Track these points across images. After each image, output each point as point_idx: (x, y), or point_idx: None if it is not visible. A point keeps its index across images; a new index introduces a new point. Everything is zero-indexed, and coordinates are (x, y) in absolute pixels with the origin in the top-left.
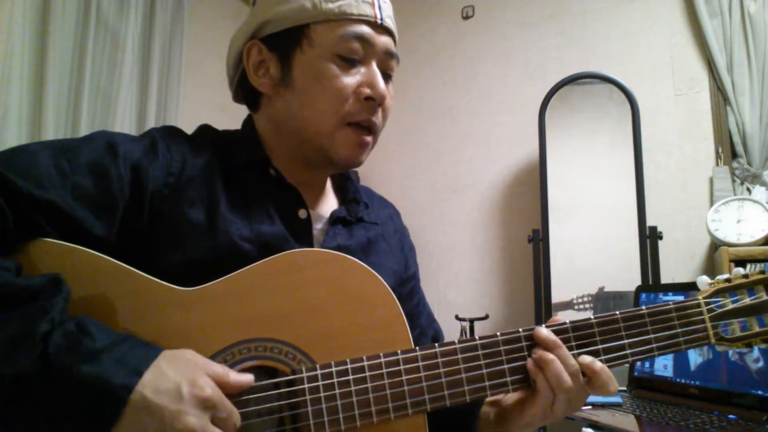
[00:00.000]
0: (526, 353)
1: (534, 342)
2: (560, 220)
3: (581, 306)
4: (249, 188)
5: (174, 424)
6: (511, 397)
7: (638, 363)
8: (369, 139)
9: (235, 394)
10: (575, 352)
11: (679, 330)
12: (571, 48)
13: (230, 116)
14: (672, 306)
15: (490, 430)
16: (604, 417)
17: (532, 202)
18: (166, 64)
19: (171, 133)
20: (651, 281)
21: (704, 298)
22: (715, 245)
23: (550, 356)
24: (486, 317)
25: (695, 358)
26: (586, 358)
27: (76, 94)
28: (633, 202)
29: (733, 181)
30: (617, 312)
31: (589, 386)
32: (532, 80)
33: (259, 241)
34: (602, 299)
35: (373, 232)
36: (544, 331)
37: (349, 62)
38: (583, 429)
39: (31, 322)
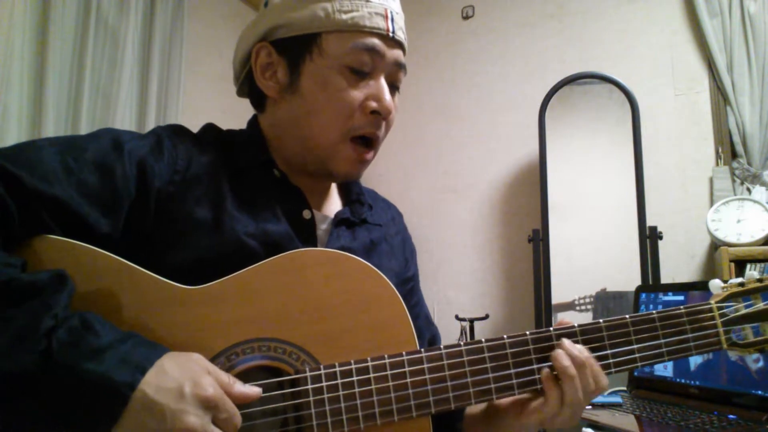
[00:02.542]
0: (533, 356)
1: (542, 346)
2: (560, 220)
3: (583, 307)
4: (254, 187)
5: (175, 423)
6: (509, 399)
7: None
8: (369, 155)
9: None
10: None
11: (690, 335)
12: (571, 48)
13: (231, 116)
14: (683, 310)
15: (476, 427)
16: (604, 417)
17: (532, 202)
18: (166, 64)
19: (177, 131)
20: (651, 281)
21: (717, 302)
22: (715, 245)
23: (573, 371)
24: (486, 317)
25: (695, 358)
26: (596, 367)
27: (76, 94)
28: (633, 202)
29: (733, 181)
30: (627, 316)
31: None
32: (532, 80)
33: (264, 239)
34: (602, 299)
35: (376, 233)
36: (572, 348)
37: (358, 74)
38: (583, 429)
39: (35, 319)
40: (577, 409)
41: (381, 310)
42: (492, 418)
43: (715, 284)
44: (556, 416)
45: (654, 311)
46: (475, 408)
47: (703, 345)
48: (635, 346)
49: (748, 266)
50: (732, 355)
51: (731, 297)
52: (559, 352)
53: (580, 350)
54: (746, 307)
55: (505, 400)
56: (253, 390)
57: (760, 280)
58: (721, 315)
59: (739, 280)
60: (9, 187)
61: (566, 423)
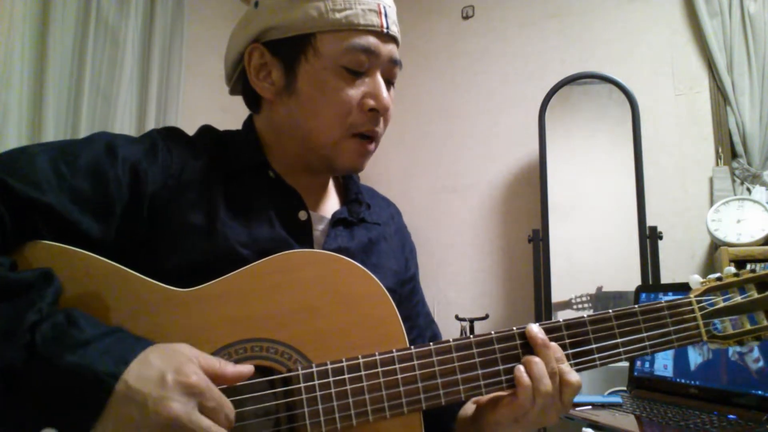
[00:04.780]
0: (520, 351)
1: (527, 341)
2: (560, 220)
3: (580, 306)
4: (249, 191)
5: (158, 410)
6: (489, 396)
7: (638, 363)
8: (372, 146)
9: (232, 391)
10: (569, 351)
11: (671, 328)
12: (571, 48)
13: (230, 116)
14: (664, 304)
15: (466, 427)
16: (604, 417)
17: (532, 202)
18: (166, 64)
19: (171, 134)
20: (651, 281)
21: (696, 296)
22: (715, 245)
23: (536, 358)
24: (486, 317)
25: (695, 358)
26: (565, 365)
27: (76, 94)
28: (633, 202)
29: (733, 181)
30: (610, 310)
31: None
32: (532, 80)
33: (257, 247)
34: (602, 299)
35: (375, 232)
36: (535, 329)
37: (354, 74)
38: (583, 429)
39: (19, 313)
40: (547, 402)
41: (371, 309)
42: (475, 420)
43: (694, 279)
44: (527, 411)
45: (636, 305)
46: (466, 411)
47: (684, 337)
48: (619, 340)
49: (748, 266)
50: (712, 347)
51: (710, 291)
52: (527, 331)
53: (537, 331)
54: (724, 300)
55: (484, 399)
56: (245, 368)
57: (736, 275)
58: (701, 308)
59: (717, 275)
60: (1, 196)
61: (539, 418)
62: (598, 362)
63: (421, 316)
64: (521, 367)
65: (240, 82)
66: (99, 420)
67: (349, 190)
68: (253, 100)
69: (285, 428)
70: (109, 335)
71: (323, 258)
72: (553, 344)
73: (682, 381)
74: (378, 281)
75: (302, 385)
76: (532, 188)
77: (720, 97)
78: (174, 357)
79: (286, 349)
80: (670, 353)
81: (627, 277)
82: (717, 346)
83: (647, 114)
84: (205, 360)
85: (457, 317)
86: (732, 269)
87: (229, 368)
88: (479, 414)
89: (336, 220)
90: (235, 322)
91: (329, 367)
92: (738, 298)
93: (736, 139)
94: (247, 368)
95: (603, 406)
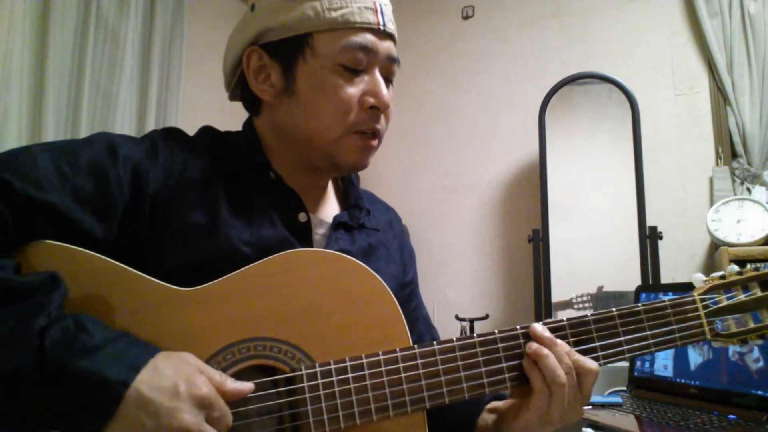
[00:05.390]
0: (523, 350)
1: (530, 339)
2: (560, 220)
3: (580, 305)
4: (250, 191)
5: (170, 421)
6: (507, 402)
7: (638, 363)
8: (375, 142)
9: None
10: (573, 349)
11: (675, 326)
12: (571, 48)
13: (230, 116)
14: (668, 302)
15: None
16: (604, 417)
17: (532, 202)
18: (166, 64)
19: (172, 135)
20: (651, 281)
21: (699, 294)
22: (715, 245)
23: (545, 351)
24: (486, 317)
25: (695, 357)
26: (577, 355)
27: (76, 94)
28: (633, 202)
29: (733, 181)
30: (613, 309)
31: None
32: (532, 80)
33: (259, 246)
34: (602, 299)
35: (374, 238)
36: (539, 329)
37: (353, 72)
38: (583, 429)
39: (27, 318)
40: (568, 397)
41: (374, 308)
42: (497, 430)
43: (698, 278)
44: (549, 406)
45: (640, 304)
46: (486, 421)
47: (688, 336)
48: (623, 338)
49: (748, 266)
50: (716, 345)
51: (713, 289)
52: (530, 342)
53: (543, 331)
54: (728, 299)
55: (505, 406)
56: (245, 386)
57: (740, 273)
58: (704, 306)
59: (720, 273)
60: (3, 195)
61: (562, 415)
62: (601, 361)
63: (421, 320)
64: (527, 359)
65: (239, 86)
66: (107, 426)
67: (350, 195)
68: (252, 104)
69: (288, 427)
70: (117, 340)
71: (327, 257)
72: (560, 341)
73: (682, 381)
74: (382, 281)
75: (306, 384)
76: (532, 188)
77: (720, 97)
78: (183, 367)
79: (290, 348)
80: (670, 353)
81: (627, 277)
82: (721, 344)
83: (647, 114)
84: (209, 373)
85: (457, 317)
86: (735, 267)
87: (230, 384)
88: (501, 424)
89: (337, 224)
90: (238, 321)
91: (333, 366)
92: (742, 297)
93: (736, 139)
94: (248, 386)
95: (603, 406)
